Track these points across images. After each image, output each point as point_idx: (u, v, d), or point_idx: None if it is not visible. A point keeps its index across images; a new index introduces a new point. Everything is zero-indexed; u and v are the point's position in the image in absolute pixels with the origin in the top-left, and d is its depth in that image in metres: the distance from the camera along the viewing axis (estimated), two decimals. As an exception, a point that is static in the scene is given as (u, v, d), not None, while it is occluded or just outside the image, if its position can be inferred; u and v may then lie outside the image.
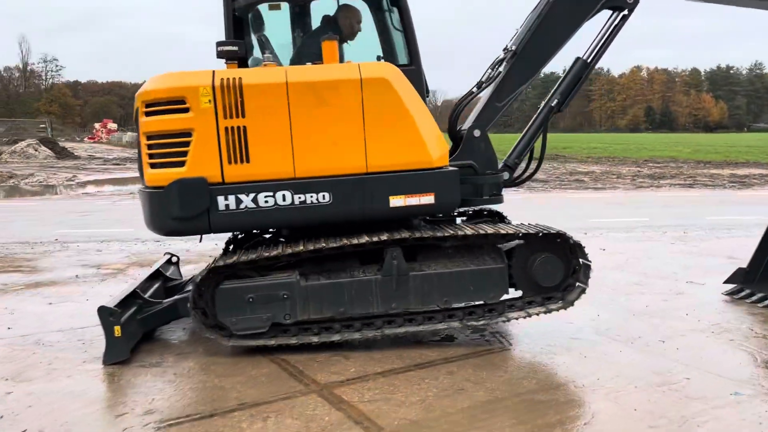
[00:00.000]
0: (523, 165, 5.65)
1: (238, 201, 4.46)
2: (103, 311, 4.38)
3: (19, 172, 22.72)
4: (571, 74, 5.55)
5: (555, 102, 5.52)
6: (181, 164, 4.42)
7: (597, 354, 4.55)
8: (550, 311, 4.78)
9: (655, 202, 15.12)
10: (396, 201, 4.62)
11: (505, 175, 5.54)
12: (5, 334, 5.12)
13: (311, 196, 4.53)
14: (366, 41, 5.73)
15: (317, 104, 4.47)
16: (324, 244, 4.50)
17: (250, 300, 4.51)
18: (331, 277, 4.65)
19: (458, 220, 6.21)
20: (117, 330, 4.39)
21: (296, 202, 4.51)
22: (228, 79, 4.41)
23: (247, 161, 4.46)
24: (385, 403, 3.73)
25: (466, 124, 5.48)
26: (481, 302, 4.78)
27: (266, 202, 4.49)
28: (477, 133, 5.36)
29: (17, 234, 10.26)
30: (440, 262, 4.79)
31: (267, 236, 5.44)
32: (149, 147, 4.50)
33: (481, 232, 4.65)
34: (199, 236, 4.75)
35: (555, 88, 5.60)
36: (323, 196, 4.54)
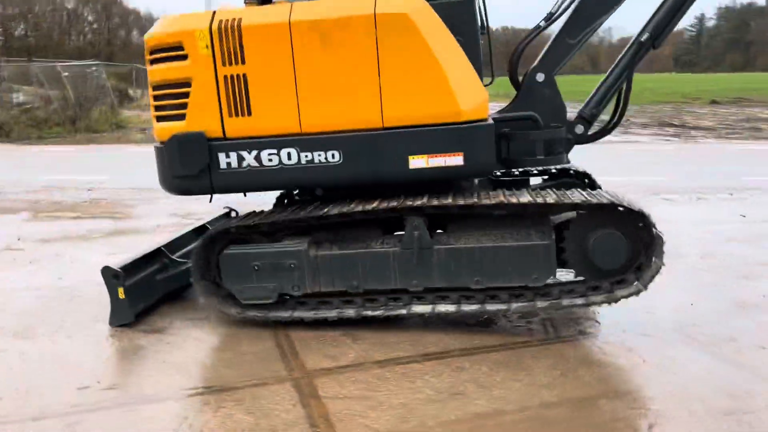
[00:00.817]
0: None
1: (240, 159, 4.01)
2: (106, 272, 4.21)
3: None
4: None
5: (646, 36, 4.38)
6: (182, 117, 4.04)
7: (661, 359, 3.60)
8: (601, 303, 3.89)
9: (843, 157, 12.58)
10: (417, 162, 3.91)
11: (579, 129, 4.57)
12: (50, 284, 5.20)
13: (319, 155, 3.96)
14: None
15: (324, 47, 3.84)
16: (319, 211, 3.96)
17: (256, 268, 4.10)
18: (344, 247, 4.10)
19: (537, 181, 5.38)
20: (121, 292, 4.21)
21: (303, 161, 3.97)
22: (227, 20, 3.91)
23: (249, 114, 3.97)
24: (360, 403, 3.16)
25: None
26: (522, 285, 3.98)
27: (270, 160, 3.99)
28: (540, 77, 4.42)
29: (135, 180, 10.74)
30: (474, 235, 4.03)
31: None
32: (155, 98, 4.17)
33: (496, 200, 3.82)
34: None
35: (649, 17, 4.45)
36: (332, 154, 3.95)
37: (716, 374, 3.42)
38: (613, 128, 4.64)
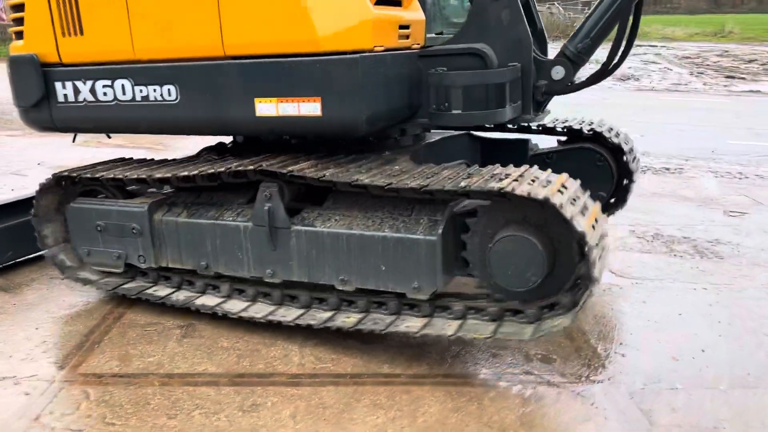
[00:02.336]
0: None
1: (76, 90, 3.18)
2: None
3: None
4: None
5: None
6: (21, 35, 3.29)
7: (561, 446, 2.26)
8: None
9: None
10: (264, 107, 2.80)
11: (557, 72, 3.09)
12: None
13: (154, 90, 3.00)
14: None
15: (150, -58, 2.81)
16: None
17: (99, 228, 3.32)
18: (194, 214, 3.15)
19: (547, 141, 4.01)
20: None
21: (138, 97, 3.05)
22: None
23: (81, 33, 3.10)
24: (67, 440, 2.29)
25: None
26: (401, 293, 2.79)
27: (105, 94, 3.12)
28: (496, -7, 2.99)
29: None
30: (351, 216, 2.87)
31: None
32: (12, 9, 3.44)
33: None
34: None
35: None
36: (168, 90, 2.97)
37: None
38: (608, 73, 3.08)
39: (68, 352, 2.91)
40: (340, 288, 2.86)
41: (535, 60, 3.07)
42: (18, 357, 2.87)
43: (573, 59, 3.06)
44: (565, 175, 2.61)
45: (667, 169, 6.52)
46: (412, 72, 2.98)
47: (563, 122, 3.83)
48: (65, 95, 3.20)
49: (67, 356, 2.87)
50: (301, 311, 2.94)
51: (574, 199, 2.46)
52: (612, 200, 3.88)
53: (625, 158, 3.64)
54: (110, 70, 3.07)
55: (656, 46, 23.95)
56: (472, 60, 2.99)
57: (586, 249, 2.31)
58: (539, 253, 2.44)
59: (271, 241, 2.93)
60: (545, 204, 2.34)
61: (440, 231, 2.62)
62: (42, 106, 3.27)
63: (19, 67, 3.24)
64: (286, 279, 2.98)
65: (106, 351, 2.91)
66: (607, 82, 15.04)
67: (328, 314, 2.88)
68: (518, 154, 3.85)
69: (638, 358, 2.84)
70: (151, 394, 2.57)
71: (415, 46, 3.09)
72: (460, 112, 2.81)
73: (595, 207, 2.56)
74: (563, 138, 3.94)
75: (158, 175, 3.02)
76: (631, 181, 3.74)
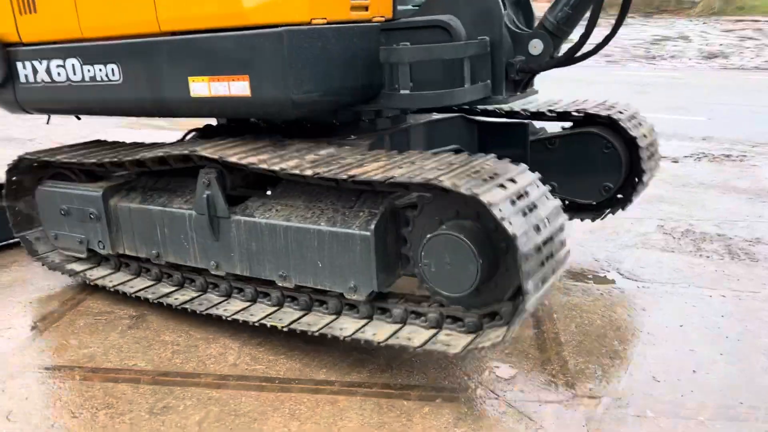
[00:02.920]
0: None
1: (35, 71, 3.11)
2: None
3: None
4: None
5: None
6: (-13, 15, 3.24)
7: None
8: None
9: None
10: (198, 86, 2.60)
11: (536, 47, 2.70)
12: None
13: (100, 70, 2.87)
14: None
15: None
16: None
17: (63, 212, 3.24)
18: (147, 200, 3.01)
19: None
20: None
21: (86, 77, 2.93)
22: None
23: (34, 10, 3.01)
24: (-37, 435, 2.20)
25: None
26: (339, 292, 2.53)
27: (59, 74, 3.03)
28: (462, -43, 2.64)
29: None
30: (293, 206, 2.64)
31: None
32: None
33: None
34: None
35: None
36: (112, 70, 2.83)
37: None
38: (589, 52, 2.65)
39: (10, 340, 2.85)
40: (279, 284, 2.64)
41: (512, 33, 2.70)
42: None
43: (552, 31, 2.66)
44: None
45: (728, 156, 5.87)
46: (370, 48, 2.68)
47: (551, 105, 3.43)
48: (26, 76, 3.13)
49: (7, 345, 2.81)
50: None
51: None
52: (636, 180, 3.41)
53: (624, 126, 3.17)
54: (62, 50, 2.96)
55: (759, 20, 22.10)
56: (438, 33, 2.65)
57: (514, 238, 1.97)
58: (469, 252, 2.12)
59: (212, 231, 2.74)
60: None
61: (373, 225, 2.34)
62: (7, 87, 3.22)
63: (-18, 47, 3.20)
64: (229, 272, 2.79)
65: (46, 340, 2.83)
66: (689, 60, 13.89)
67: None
68: (517, 138, 3.47)
69: (613, 376, 2.47)
70: (68, 389, 2.45)
71: (378, 18, 2.78)
72: (408, 92, 2.50)
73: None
74: (570, 123, 3.53)
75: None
76: (638, 147, 3.22)
